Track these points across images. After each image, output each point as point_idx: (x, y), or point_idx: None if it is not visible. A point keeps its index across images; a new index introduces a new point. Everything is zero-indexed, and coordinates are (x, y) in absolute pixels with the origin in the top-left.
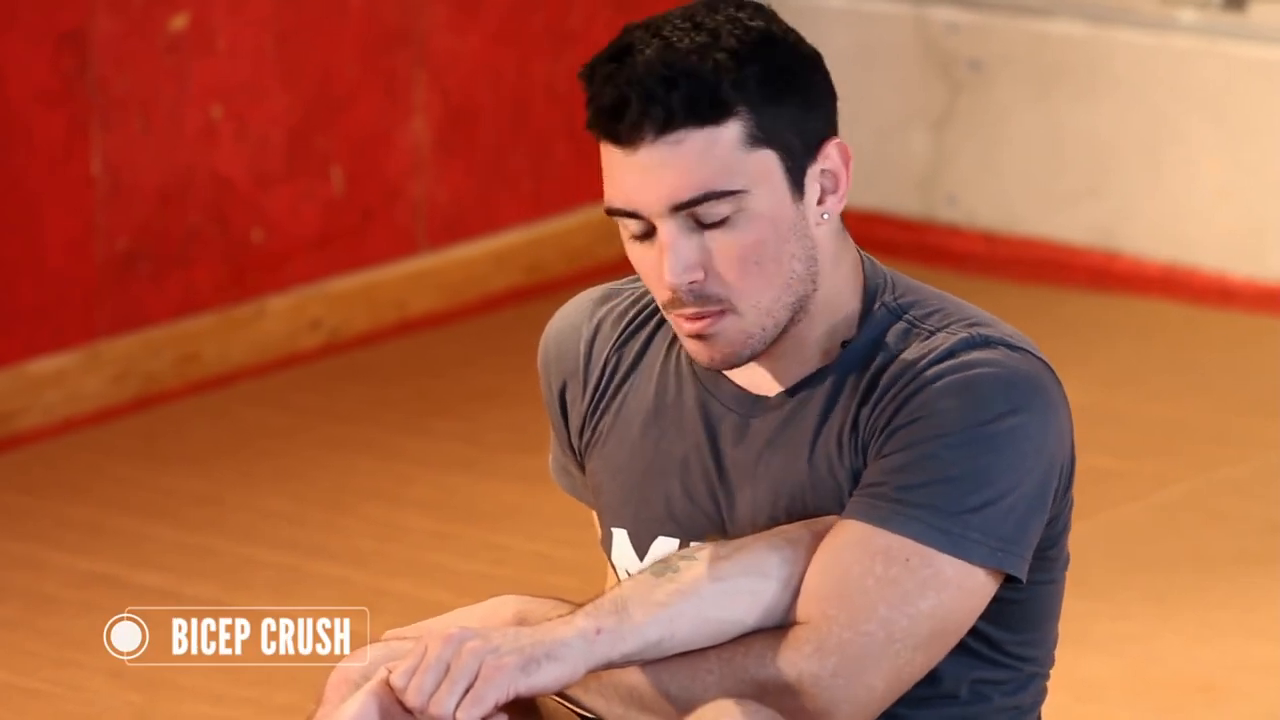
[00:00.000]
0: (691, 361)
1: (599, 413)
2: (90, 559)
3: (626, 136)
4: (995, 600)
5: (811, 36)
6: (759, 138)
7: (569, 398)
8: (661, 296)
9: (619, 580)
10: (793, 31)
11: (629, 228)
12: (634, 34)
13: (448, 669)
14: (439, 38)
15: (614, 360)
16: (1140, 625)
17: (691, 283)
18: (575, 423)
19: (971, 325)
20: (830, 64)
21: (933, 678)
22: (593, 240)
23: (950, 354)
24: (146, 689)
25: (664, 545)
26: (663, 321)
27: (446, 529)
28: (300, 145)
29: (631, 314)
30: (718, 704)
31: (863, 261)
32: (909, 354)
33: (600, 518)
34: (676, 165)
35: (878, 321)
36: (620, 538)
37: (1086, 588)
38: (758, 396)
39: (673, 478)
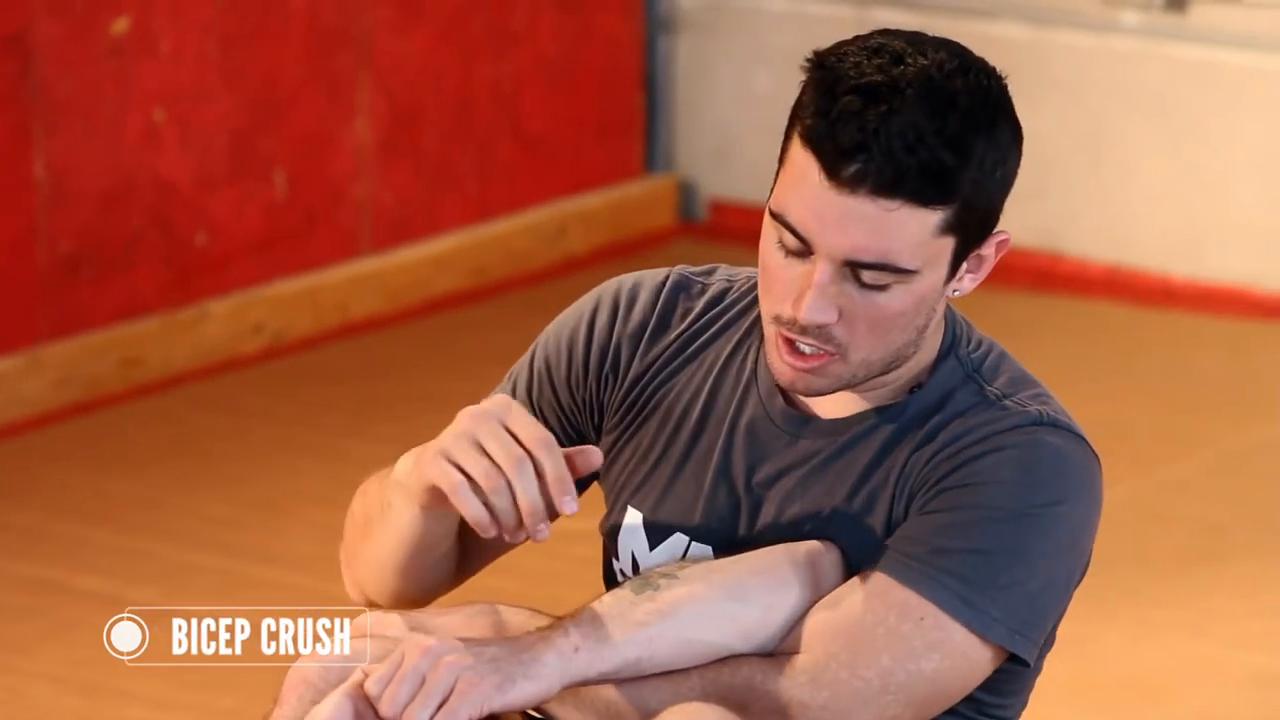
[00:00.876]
0: (754, 371)
1: (644, 389)
2: (31, 564)
3: (845, 179)
4: None
5: (754, 39)
6: (953, 226)
7: (616, 358)
8: (781, 314)
9: (607, 553)
10: (1014, 109)
11: (786, 240)
12: (895, 69)
13: (423, 681)
14: (382, 40)
15: (675, 346)
16: (1081, 625)
17: (821, 325)
18: (607, 385)
19: (1038, 400)
20: (772, 67)
21: None
22: (536, 243)
23: (1015, 427)
24: (89, 694)
25: (678, 542)
26: (731, 323)
27: None
28: (243, 148)
29: (701, 307)
30: (689, 705)
31: (947, 314)
32: (975, 417)
33: (612, 493)
34: (876, 228)
35: (948, 373)
36: (634, 519)
37: None
38: (810, 418)
39: (703, 478)
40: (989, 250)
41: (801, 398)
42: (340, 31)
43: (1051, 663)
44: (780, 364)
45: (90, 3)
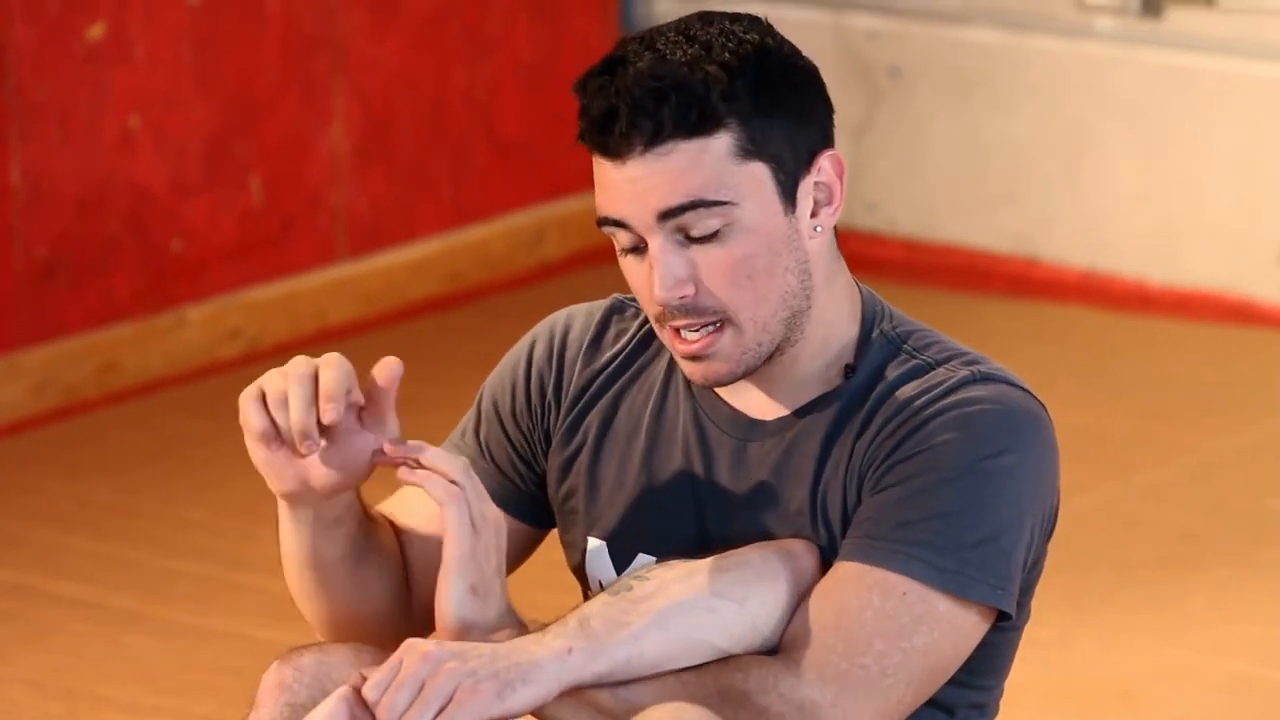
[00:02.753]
0: (689, 383)
1: (585, 410)
2: (7, 569)
3: (615, 148)
4: None
5: None
6: (749, 150)
7: (558, 382)
8: (652, 311)
9: (583, 588)
10: (787, 44)
11: (620, 240)
12: (627, 46)
13: (422, 687)
14: (357, 45)
15: (611, 369)
16: (1056, 631)
17: (682, 297)
18: (550, 412)
19: (970, 363)
20: None
21: None
22: (512, 249)
23: (951, 390)
24: (67, 699)
25: (643, 563)
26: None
27: None
28: (219, 154)
29: (635, 328)
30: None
31: (859, 292)
32: (909, 389)
33: (573, 531)
34: (665, 175)
35: (876, 350)
36: (598, 549)
37: None
38: (755, 420)
39: (662, 496)
40: (826, 175)
41: (738, 404)
42: (315, 37)
43: (1026, 668)
44: (682, 362)
45: (66, 8)
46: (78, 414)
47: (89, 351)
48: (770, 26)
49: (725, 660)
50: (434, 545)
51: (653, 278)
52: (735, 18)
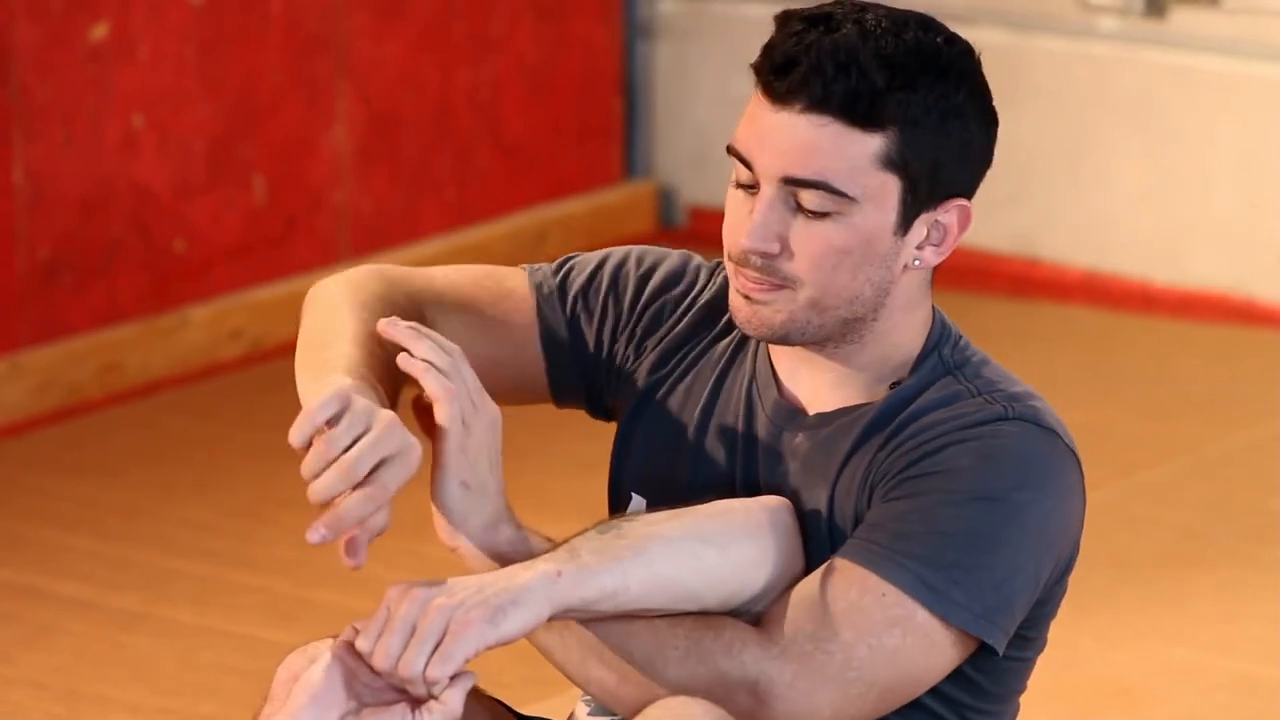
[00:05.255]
0: (754, 366)
1: (666, 363)
2: (10, 570)
3: (779, 94)
4: (963, 669)
5: (734, 45)
6: (895, 162)
7: (662, 314)
8: (733, 249)
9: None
10: (985, 83)
11: (739, 174)
12: (841, 8)
13: (414, 629)
14: (361, 46)
15: (706, 331)
16: (1057, 629)
17: (765, 253)
18: (636, 340)
19: (1011, 399)
20: (751, 73)
21: None
22: (515, 249)
23: (979, 422)
24: (69, 699)
25: (637, 505)
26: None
27: None
28: (222, 154)
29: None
30: (673, 699)
31: (935, 318)
32: (940, 413)
33: (621, 473)
34: (809, 143)
35: (928, 371)
36: (637, 504)
37: None
38: (794, 411)
39: (703, 472)
40: (949, 218)
41: (788, 393)
42: (319, 37)
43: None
44: (737, 300)
45: (69, 8)
46: (80, 414)
47: (91, 352)
48: (978, 60)
49: (701, 616)
50: None
51: (750, 220)
52: (952, 37)
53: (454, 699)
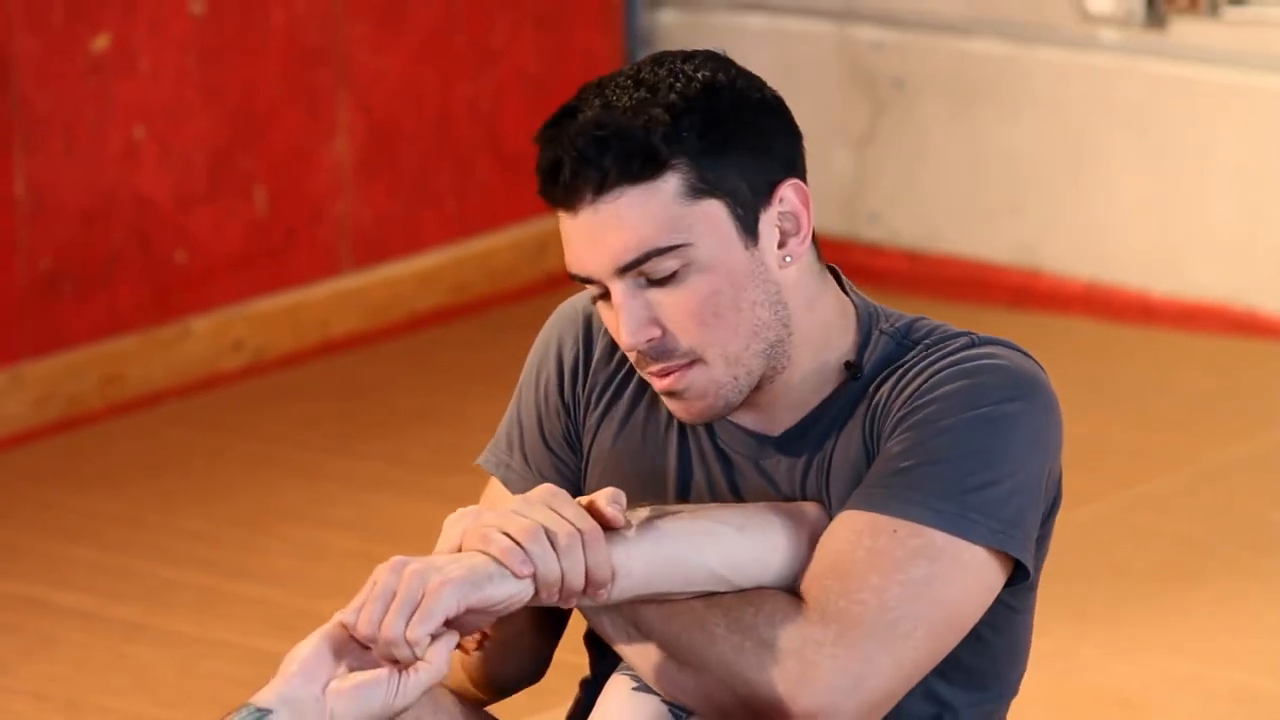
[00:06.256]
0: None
1: (600, 411)
2: (11, 581)
3: (565, 199)
4: (978, 629)
5: (733, 56)
6: (701, 189)
7: (578, 378)
8: (627, 353)
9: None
10: (743, 77)
11: (590, 289)
12: (581, 95)
13: (395, 596)
14: (361, 57)
15: (626, 369)
16: (1058, 641)
17: (649, 341)
18: (579, 404)
19: (970, 333)
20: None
21: (895, 708)
22: (517, 260)
23: (951, 354)
24: (69, 710)
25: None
26: None
27: (369, 549)
28: (223, 165)
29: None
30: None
31: (857, 305)
32: (911, 367)
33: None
34: (616, 226)
35: (880, 347)
36: None
37: None
38: (764, 437)
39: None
40: (790, 203)
41: (745, 423)
42: (319, 49)
43: (1028, 677)
44: (668, 402)
45: (70, 20)
46: (81, 426)
47: (93, 363)
48: (726, 61)
49: (738, 593)
50: None
51: (620, 321)
52: (688, 56)
53: (437, 654)
